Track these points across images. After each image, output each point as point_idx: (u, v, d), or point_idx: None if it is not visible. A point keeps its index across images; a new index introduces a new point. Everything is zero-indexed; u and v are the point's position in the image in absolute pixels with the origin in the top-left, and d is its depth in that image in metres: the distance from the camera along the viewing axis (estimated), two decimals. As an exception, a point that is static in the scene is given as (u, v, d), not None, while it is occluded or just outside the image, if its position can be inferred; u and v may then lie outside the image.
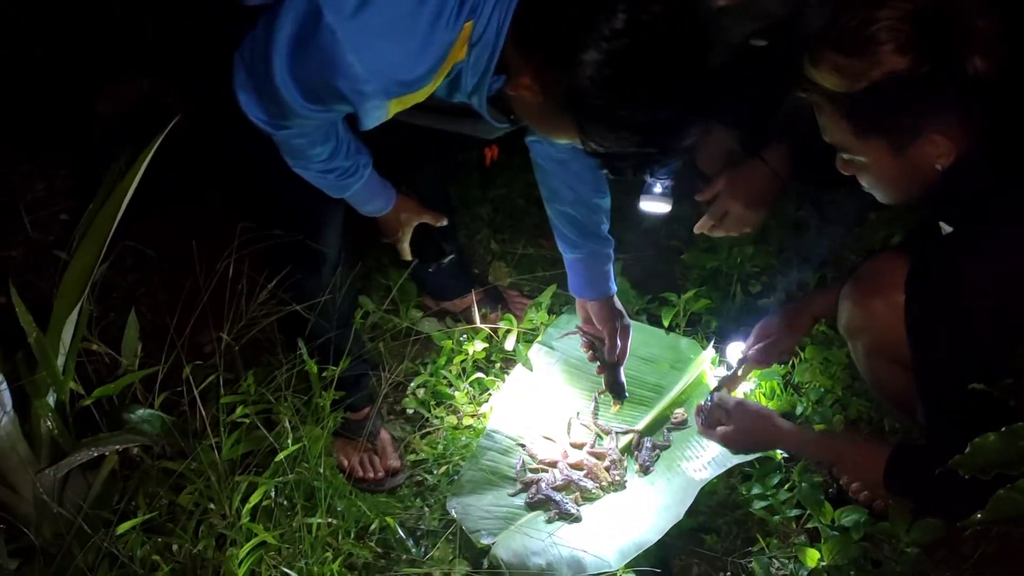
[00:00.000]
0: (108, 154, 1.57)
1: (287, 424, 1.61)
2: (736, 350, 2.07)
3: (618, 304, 1.90)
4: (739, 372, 1.87)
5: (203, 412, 1.50)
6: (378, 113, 1.32)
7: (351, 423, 1.96)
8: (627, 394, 1.94)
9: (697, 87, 1.26)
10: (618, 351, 1.89)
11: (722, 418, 1.73)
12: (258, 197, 1.71)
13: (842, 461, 1.60)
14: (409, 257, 1.86)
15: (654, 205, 2.11)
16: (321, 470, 1.69)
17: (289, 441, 1.61)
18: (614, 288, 1.88)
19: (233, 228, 1.53)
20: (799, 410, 1.93)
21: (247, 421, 1.60)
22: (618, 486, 1.88)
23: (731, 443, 1.70)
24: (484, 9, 1.27)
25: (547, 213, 1.85)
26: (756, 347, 1.84)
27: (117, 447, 1.39)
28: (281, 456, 1.51)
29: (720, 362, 2.10)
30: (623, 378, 1.94)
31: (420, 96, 1.32)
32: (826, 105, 1.38)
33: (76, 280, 1.39)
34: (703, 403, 1.81)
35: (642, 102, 1.22)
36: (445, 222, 1.82)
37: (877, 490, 1.54)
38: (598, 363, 1.94)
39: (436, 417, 2.03)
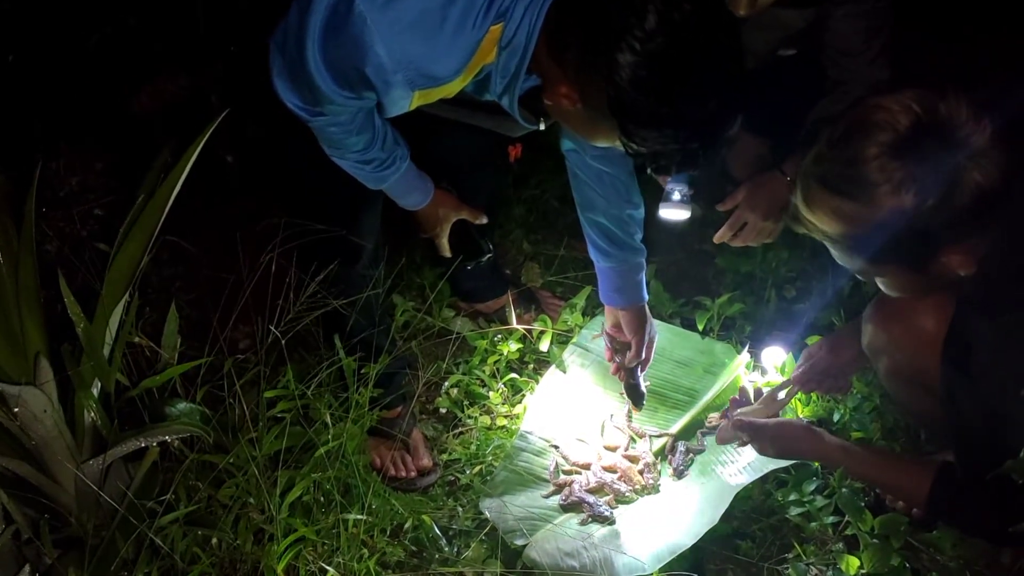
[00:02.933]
0: (146, 150, 1.58)
1: (328, 419, 1.61)
2: (772, 355, 2.07)
3: (647, 313, 1.89)
4: (782, 395, 1.83)
5: (244, 406, 1.50)
6: (402, 103, 1.34)
7: (384, 421, 1.96)
8: (645, 401, 1.94)
9: (734, 77, 1.26)
10: (642, 358, 1.89)
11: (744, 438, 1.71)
12: (297, 190, 1.71)
13: (884, 479, 1.57)
14: (448, 253, 1.85)
15: (674, 212, 2.10)
16: (358, 467, 1.70)
17: (329, 437, 1.61)
18: (645, 296, 1.88)
19: (271, 223, 1.53)
20: (836, 417, 1.91)
21: (287, 417, 1.60)
22: (652, 489, 1.87)
23: (768, 447, 1.68)
24: (514, 13, 1.28)
25: (580, 221, 1.85)
26: (802, 370, 1.79)
27: (160, 439, 1.40)
28: (321, 452, 1.51)
29: (755, 367, 2.08)
30: (643, 385, 1.94)
31: (446, 91, 1.34)
32: (832, 243, 1.36)
33: (123, 272, 1.39)
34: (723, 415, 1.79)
35: (683, 98, 1.22)
36: (485, 220, 1.82)
37: (920, 509, 1.52)
38: (618, 367, 1.93)
39: (469, 417, 2.02)
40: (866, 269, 1.40)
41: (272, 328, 1.47)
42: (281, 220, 1.53)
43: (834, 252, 1.39)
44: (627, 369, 1.91)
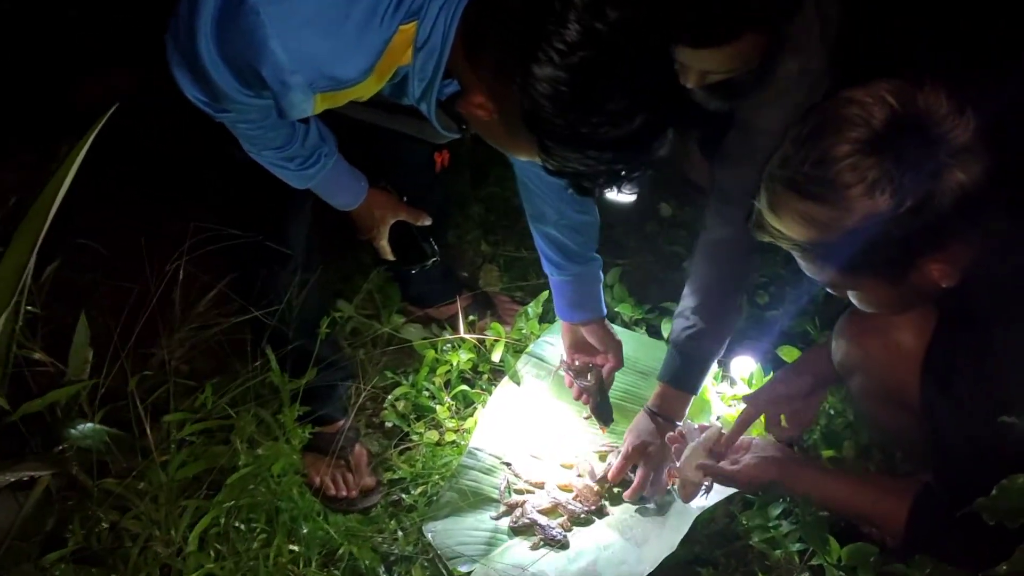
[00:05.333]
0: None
1: (239, 444, 1.47)
2: (741, 365, 1.95)
3: (609, 326, 1.76)
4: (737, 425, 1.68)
5: (150, 427, 1.37)
6: (303, 107, 1.20)
7: (323, 437, 1.83)
8: (614, 418, 1.82)
9: (664, 98, 1.13)
10: (616, 365, 1.76)
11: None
12: (215, 189, 1.58)
13: (859, 508, 1.43)
14: (390, 257, 1.72)
15: (619, 195, 1.96)
16: (285, 489, 1.57)
17: (247, 459, 1.48)
18: (604, 309, 1.75)
19: (186, 226, 1.39)
20: (805, 435, 1.78)
21: (196, 440, 1.47)
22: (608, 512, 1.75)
23: (736, 484, 1.54)
24: (428, 11, 1.16)
25: (531, 232, 1.72)
26: (767, 397, 1.63)
27: (34, 473, 1.25)
28: (233, 479, 1.38)
29: (723, 377, 1.97)
30: (609, 401, 1.82)
31: (357, 94, 1.22)
32: (800, 252, 1.23)
33: (7, 280, 1.25)
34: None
35: (606, 118, 1.09)
36: (428, 221, 1.69)
37: (897, 536, 1.38)
38: (579, 390, 1.81)
39: (416, 432, 1.89)
40: (837, 281, 1.27)
41: (161, 346, 1.33)
42: (192, 223, 1.38)
43: (802, 263, 1.26)
44: (595, 386, 1.78)
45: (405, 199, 1.67)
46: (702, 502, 1.65)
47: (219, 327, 1.42)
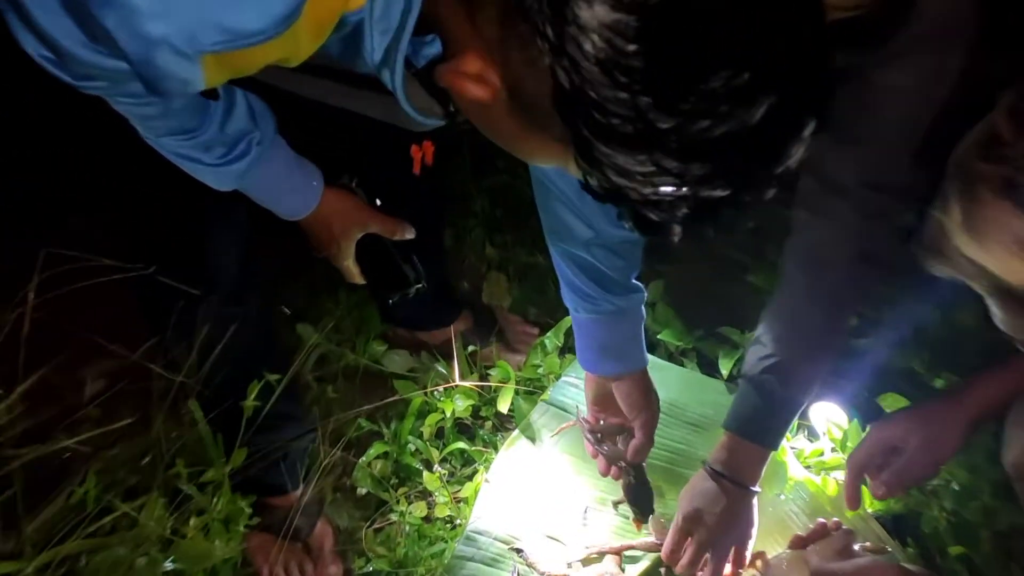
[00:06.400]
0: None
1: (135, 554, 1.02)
2: (825, 414, 1.49)
3: (650, 380, 1.29)
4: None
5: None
6: (183, 75, 0.70)
7: (273, 512, 1.39)
8: (655, 508, 1.35)
9: (803, 63, 0.63)
10: (646, 443, 1.30)
11: None
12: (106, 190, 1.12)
13: None
14: (359, 280, 1.25)
15: None
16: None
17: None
18: (645, 359, 1.28)
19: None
20: (925, 526, 1.32)
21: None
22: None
23: None
24: None
25: (550, 252, 1.24)
26: (867, 466, 1.24)
27: None
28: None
29: (800, 428, 1.51)
30: (648, 482, 1.35)
31: (274, 55, 0.73)
32: (1003, 299, 0.86)
33: None
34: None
35: (704, 102, 0.59)
36: (409, 235, 1.21)
37: None
38: (606, 463, 1.34)
39: (397, 503, 1.44)
40: None
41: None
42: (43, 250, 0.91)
43: (1002, 314, 0.81)
44: (628, 465, 1.32)
45: (378, 204, 1.20)
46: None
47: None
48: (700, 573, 1.26)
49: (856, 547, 1.15)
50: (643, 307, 1.27)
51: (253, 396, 1.19)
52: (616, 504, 1.41)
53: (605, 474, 1.34)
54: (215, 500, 1.16)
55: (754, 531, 1.29)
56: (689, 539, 1.26)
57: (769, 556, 1.24)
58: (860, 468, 1.25)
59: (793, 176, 0.69)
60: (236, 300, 1.21)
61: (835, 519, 1.20)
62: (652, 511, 1.34)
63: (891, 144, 1.05)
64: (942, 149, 0.94)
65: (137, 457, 1.15)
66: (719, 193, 0.63)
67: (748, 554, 1.29)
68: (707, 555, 1.26)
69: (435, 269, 1.49)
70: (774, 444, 1.28)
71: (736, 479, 1.26)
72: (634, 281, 1.25)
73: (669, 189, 0.63)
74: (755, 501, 1.28)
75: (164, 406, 1.13)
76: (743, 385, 1.28)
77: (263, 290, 1.33)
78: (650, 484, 1.34)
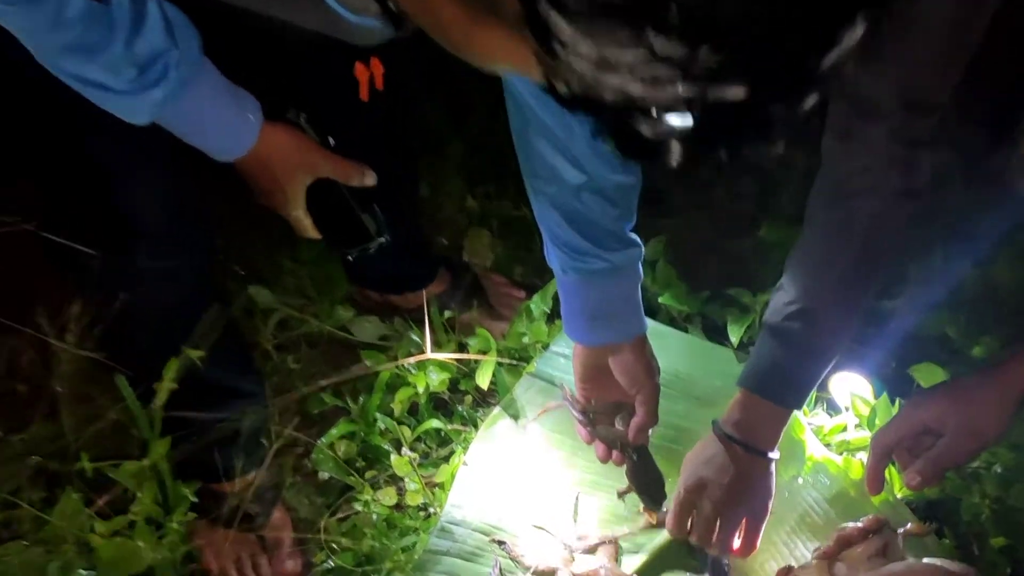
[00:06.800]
0: None
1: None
2: (846, 385, 1.34)
3: (650, 348, 1.12)
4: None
5: None
6: None
7: (223, 500, 1.24)
8: (666, 494, 1.20)
9: None
10: (649, 421, 1.13)
11: None
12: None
13: None
14: (312, 234, 1.09)
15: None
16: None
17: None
18: (644, 324, 1.10)
19: None
20: (965, 515, 1.16)
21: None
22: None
23: None
24: None
25: (530, 199, 1.07)
26: (895, 447, 1.10)
27: None
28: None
29: (819, 401, 1.36)
30: (655, 465, 1.20)
31: None
32: None
33: None
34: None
35: None
36: (369, 180, 1.04)
37: None
38: (605, 448, 1.19)
39: (362, 495, 1.28)
40: None
41: None
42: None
43: None
44: (630, 448, 1.15)
45: (331, 144, 1.02)
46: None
47: None
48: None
49: (900, 531, 1.00)
50: (640, 264, 1.09)
51: (171, 376, 1.01)
52: (622, 494, 1.25)
53: (605, 460, 1.18)
54: (143, 492, 0.99)
55: (771, 504, 1.15)
56: (694, 514, 1.13)
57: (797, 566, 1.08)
58: (887, 449, 1.11)
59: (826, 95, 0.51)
60: (167, 255, 1.04)
61: (874, 516, 1.04)
62: (664, 497, 1.18)
63: (937, 57, 0.91)
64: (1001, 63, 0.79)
65: (48, 443, 0.98)
66: (737, 95, 0.44)
67: (761, 528, 1.14)
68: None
69: (406, 223, 1.32)
70: (796, 403, 1.14)
71: (751, 444, 1.11)
72: (631, 235, 1.07)
73: (666, 89, 0.44)
74: (773, 470, 1.14)
75: (75, 384, 0.95)
76: (762, 336, 1.13)
77: (204, 243, 1.15)
78: (657, 467, 1.19)
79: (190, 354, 1.01)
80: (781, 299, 1.09)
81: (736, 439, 1.11)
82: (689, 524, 1.13)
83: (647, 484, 1.17)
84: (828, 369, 1.13)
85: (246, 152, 0.94)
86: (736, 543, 1.14)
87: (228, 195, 1.15)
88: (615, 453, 1.17)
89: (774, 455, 1.12)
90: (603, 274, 1.06)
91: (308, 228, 1.07)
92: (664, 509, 1.18)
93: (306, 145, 0.99)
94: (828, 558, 1.00)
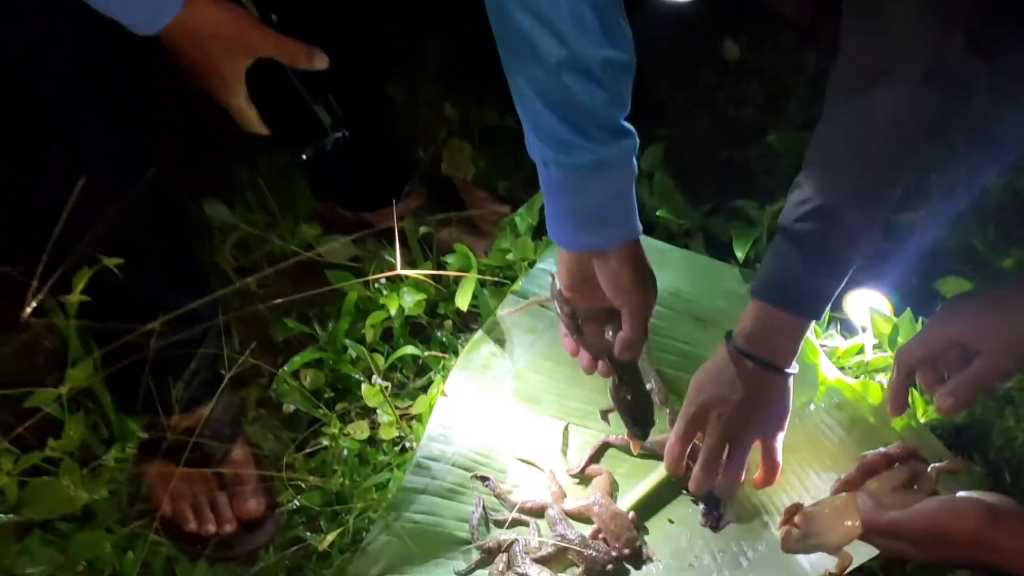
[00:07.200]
0: None
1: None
2: (862, 303, 1.25)
3: (643, 255, 1.01)
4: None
5: None
6: None
7: (168, 431, 1.13)
8: (655, 420, 1.09)
9: None
10: (636, 337, 1.01)
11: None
12: None
13: None
14: (258, 128, 0.96)
15: None
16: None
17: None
18: (638, 226, 0.98)
19: None
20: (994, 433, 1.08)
21: None
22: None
23: (909, 550, 0.84)
24: None
25: (509, 85, 0.92)
26: (922, 363, 0.99)
27: None
28: None
29: (832, 321, 1.27)
30: (645, 388, 1.10)
31: None
32: None
33: None
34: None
35: None
36: (319, 64, 0.90)
37: None
38: (588, 357, 1.07)
39: (330, 428, 1.18)
40: None
41: None
42: None
43: None
44: (615, 362, 1.04)
45: (274, 20, 0.88)
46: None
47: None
48: None
49: (929, 469, 0.89)
50: (635, 160, 0.96)
51: (81, 286, 0.88)
52: (604, 413, 1.16)
53: (589, 370, 1.06)
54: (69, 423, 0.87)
55: (786, 423, 1.06)
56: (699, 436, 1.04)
57: (807, 504, 0.98)
58: (913, 365, 1.00)
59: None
60: (90, 157, 0.91)
61: (900, 443, 0.93)
62: (652, 423, 1.07)
63: None
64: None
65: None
66: None
67: (779, 450, 1.05)
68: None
69: (370, 121, 1.18)
70: (814, 311, 1.04)
71: (765, 358, 1.02)
72: (624, 123, 0.94)
73: None
74: (790, 386, 1.04)
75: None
76: (777, 239, 1.04)
77: (139, 148, 1.02)
78: (647, 390, 1.09)
79: (107, 262, 0.88)
80: (797, 197, 1.00)
81: (749, 353, 1.01)
82: (688, 469, 1.05)
83: (633, 407, 1.06)
84: (846, 280, 1.02)
85: (169, 22, 0.80)
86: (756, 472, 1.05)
87: (167, 91, 1.02)
88: (600, 364, 1.05)
89: (792, 370, 1.03)
90: (590, 168, 0.92)
91: (253, 120, 0.94)
92: (650, 441, 1.09)
93: (243, 19, 0.86)
94: (851, 488, 0.89)
